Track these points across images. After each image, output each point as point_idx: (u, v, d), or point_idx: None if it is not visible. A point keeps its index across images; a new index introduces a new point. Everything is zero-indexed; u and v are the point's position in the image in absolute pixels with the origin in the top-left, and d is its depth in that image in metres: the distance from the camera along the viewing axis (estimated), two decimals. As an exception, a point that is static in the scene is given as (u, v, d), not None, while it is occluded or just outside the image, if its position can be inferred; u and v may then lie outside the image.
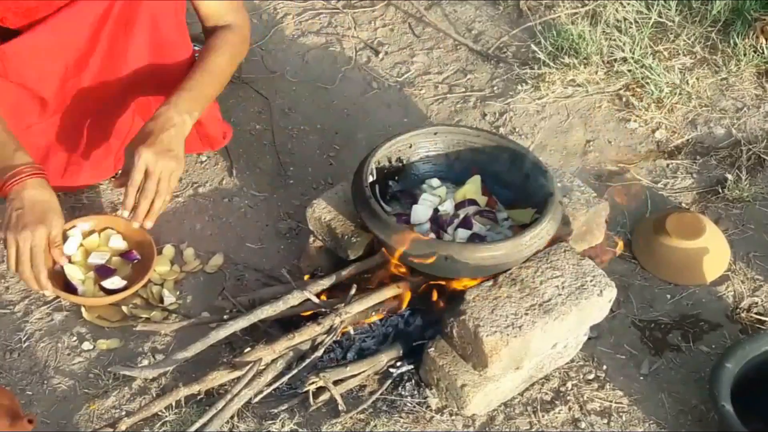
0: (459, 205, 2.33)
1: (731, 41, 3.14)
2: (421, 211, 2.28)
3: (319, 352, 2.20)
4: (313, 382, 2.19)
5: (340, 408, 2.21)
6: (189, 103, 2.33)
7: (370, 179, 2.26)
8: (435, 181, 2.40)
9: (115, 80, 2.46)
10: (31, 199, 2.17)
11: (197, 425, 2.10)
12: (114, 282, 2.35)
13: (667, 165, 2.86)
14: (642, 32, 3.14)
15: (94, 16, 2.35)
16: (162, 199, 2.27)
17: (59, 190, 2.51)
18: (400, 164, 2.40)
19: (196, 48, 2.74)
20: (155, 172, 2.23)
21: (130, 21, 2.38)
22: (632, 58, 3.08)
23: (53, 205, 2.21)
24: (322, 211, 2.35)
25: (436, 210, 2.30)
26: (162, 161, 2.23)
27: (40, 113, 2.47)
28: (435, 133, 2.42)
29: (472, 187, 2.37)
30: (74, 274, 2.34)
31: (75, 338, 2.37)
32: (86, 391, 2.26)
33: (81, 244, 2.41)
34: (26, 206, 2.17)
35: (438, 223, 2.27)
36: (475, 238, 2.26)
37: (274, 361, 2.20)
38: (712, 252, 2.56)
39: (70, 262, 2.34)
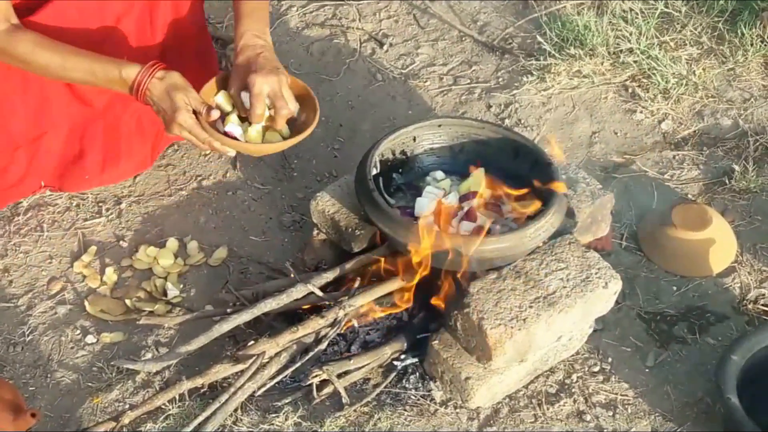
0: (463, 198, 2.32)
1: (738, 31, 3.12)
2: (424, 204, 2.27)
3: (323, 345, 2.20)
4: (316, 375, 2.18)
5: (343, 401, 2.20)
6: (259, 24, 2.38)
7: (374, 172, 2.25)
8: (439, 174, 2.39)
9: (143, 59, 2.44)
10: (159, 95, 2.26)
11: (200, 418, 2.10)
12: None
13: (674, 156, 2.84)
14: (648, 23, 3.12)
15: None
16: (291, 105, 2.32)
17: (99, 185, 2.64)
18: (405, 157, 2.39)
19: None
20: (275, 90, 2.29)
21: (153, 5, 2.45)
22: (638, 48, 3.06)
23: (177, 83, 2.26)
24: (325, 204, 2.34)
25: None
26: (274, 79, 2.28)
27: (68, 97, 2.48)
28: (439, 126, 2.41)
29: (477, 180, 2.35)
30: (234, 131, 2.33)
31: (78, 332, 2.37)
32: (90, 384, 2.26)
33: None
34: (161, 104, 2.27)
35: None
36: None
37: (277, 354, 2.19)
38: (719, 243, 2.54)
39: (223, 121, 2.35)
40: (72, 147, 2.57)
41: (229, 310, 2.25)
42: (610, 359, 2.35)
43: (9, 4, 2.26)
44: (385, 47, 3.19)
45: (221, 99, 2.34)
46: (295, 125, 2.39)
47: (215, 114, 2.28)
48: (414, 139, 2.39)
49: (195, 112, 2.27)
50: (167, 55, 2.51)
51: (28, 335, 2.36)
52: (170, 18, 2.52)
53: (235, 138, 2.32)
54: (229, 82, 2.34)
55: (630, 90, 3.02)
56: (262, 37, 2.37)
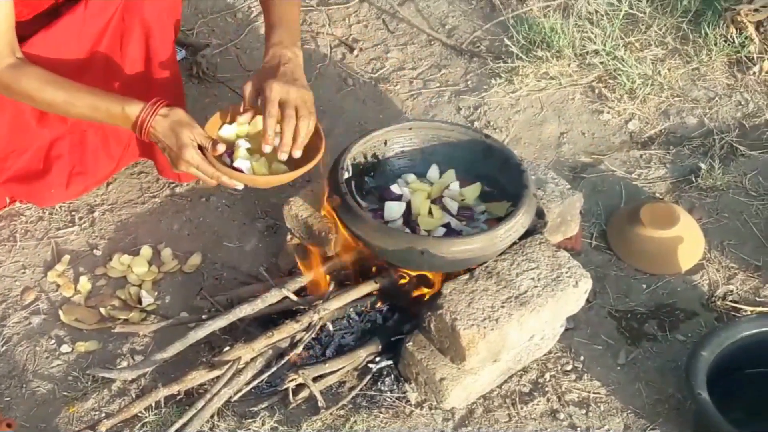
0: (435, 201, 2.34)
1: (702, 31, 3.16)
2: (394, 207, 2.29)
3: (298, 350, 2.21)
4: (292, 380, 2.20)
5: (319, 405, 2.22)
6: (290, 36, 2.31)
7: (346, 175, 2.26)
8: (411, 176, 2.41)
9: (112, 90, 2.44)
10: (163, 132, 2.21)
11: (177, 425, 2.11)
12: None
13: (641, 155, 2.88)
14: (613, 24, 3.15)
15: (93, 27, 2.39)
16: (306, 123, 2.20)
17: (63, 200, 2.62)
18: (376, 160, 2.41)
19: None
20: (290, 100, 2.19)
21: (125, 34, 2.42)
22: (604, 50, 3.09)
23: (181, 120, 2.21)
24: (299, 209, 2.35)
25: (409, 206, 2.31)
26: (293, 89, 2.19)
27: (39, 119, 2.47)
28: (410, 129, 2.43)
29: (447, 182, 2.37)
30: (242, 165, 2.24)
31: (53, 341, 2.37)
32: (65, 393, 2.26)
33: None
34: (166, 141, 2.22)
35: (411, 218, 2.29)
36: (451, 232, 2.27)
37: (253, 359, 2.20)
38: (687, 241, 2.58)
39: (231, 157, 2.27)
40: (36, 163, 2.56)
41: (204, 317, 2.26)
42: (582, 358, 2.38)
43: (14, 36, 2.24)
44: (355, 52, 3.21)
45: (226, 132, 2.29)
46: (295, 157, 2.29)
47: (221, 148, 2.21)
48: (385, 143, 2.40)
49: (201, 148, 2.22)
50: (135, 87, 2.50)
51: (2, 346, 2.35)
52: (141, 50, 2.49)
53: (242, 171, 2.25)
54: (247, 92, 2.26)
55: (597, 91, 3.06)
56: (290, 50, 2.29)
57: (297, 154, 2.21)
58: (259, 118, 2.25)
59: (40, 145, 2.53)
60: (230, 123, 2.29)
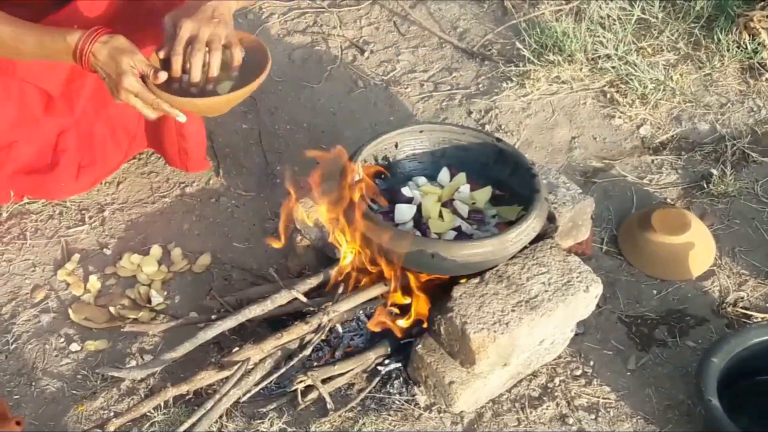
0: (446, 204, 2.34)
1: (715, 37, 3.15)
2: (405, 210, 2.28)
3: (308, 351, 2.21)
4: (301, 381, 2.20)
5: (328, 406, 2.21)
6: None
7: (357, 178, 2.26)
8: (421, 179, 2.40)
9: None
10: (103, 59, 2.16)
11: (186, 425, 2.10)
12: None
13: (652, 161, 2.87)
14: (626, 29, 3.15)
15: (96, 13, 2.36)
16: (216, 55, 2.18)
17: (73, 194, 2.62)
18: (387, 162, 2.41)
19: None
20: (201, 38, 2.16)
21: (134, 21, 2.37)
22: (616, 54, 3.09)
23: (122, 46, 2.16)
24: (309, 210, 2.35)
25: (419, 209, 2.30)
26: (206, 27, 2.17)
27: (45, 108, 2.49)
28: (421, 131, 2.42)
29: (458, 185, 2.37)
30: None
31: (63, 339, 2.37)
32: (74, 392, 2.26)
33: None
34: (105, 69, 2.17)
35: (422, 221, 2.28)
36: (462, 236, 2.26)
37: (262, 360, 2.20)
38: (698, 247, 2.57)
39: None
40: (44, 157, 2.56)
41: (213, 317, 2.26)
42: (591, 363, 2.37)
43: None
44: (366, 54, 3.21)
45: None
46: (243, 78, 2.25)
47: (163, 76, 2.17)
48: (396, 145, 2.40)
49: (143, 76, 2.18)
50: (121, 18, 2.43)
51: (12, 344, 2.36)
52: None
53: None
54: (165, 30, 2.21)
55: (608, 95, 3.05)
56: None
57: (223, 88, 2.21)
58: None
59: (47, 138, 2.54)
60: None
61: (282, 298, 2.25)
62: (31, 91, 2.44)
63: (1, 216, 2.63)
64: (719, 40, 3.14)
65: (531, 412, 2.27)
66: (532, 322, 2.14)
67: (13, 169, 2.57)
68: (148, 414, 2.16)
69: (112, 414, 2.19)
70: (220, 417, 2.17)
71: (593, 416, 2.27)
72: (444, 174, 2.39)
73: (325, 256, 2.38)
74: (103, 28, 2.19)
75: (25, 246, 2.57)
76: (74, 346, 2.35)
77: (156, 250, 2.57)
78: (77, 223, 2.63)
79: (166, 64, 2.21)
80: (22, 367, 2.31)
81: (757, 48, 3.11)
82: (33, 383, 2.28)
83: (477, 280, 2.21)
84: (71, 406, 2.23)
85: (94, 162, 2.61)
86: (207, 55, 2.19)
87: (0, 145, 2.51)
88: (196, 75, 2.19)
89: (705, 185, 2.78)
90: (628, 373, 2.35)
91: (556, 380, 2.33)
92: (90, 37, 2.16)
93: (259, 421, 2.19)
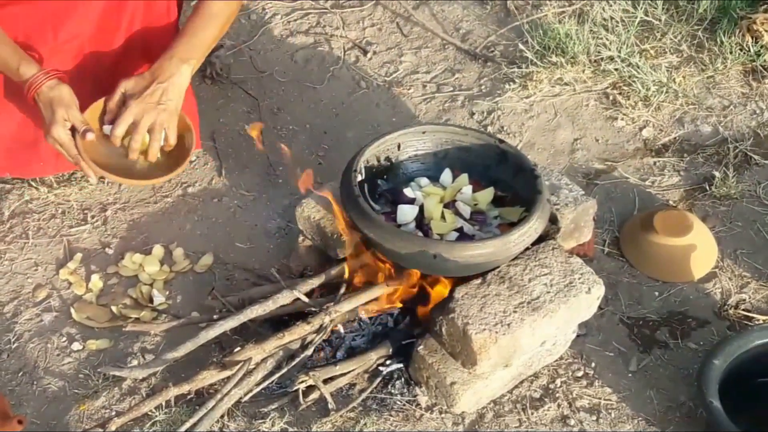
0: (448, 205, 2.34)
1: (718, 39, 3.15)
2: (407, 211, 2.28)
3: (309, 351, 2.21)
4: (302, 381, 2.19)
5: (330, 406, 2.21)
6: (187, 51, 2.37)
7: (359, 178, 2.26)
8: (423, 180, 2.40)
9: (109, 51, 2.50)
10: (43, 103, 2.31)
11: (187, 425, 2.10)
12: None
13: (655, 163, 2.87)
14: (629, 31, 3.15)
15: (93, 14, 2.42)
16: (155, 143, 2.34)
17: (54, 172, 2.65)
18: (389, 163, 2.41)
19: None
20: (142, 126, 2.31)
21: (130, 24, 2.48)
22: (619, 56, 3.09)
23: (61, 98, 2.30)
24: (311, 211, 2.35)
25: (422, 209, 2.30)
26: (150, 114, 2.32)
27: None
28: (423, 132, 2.42)
29: (460, 186, 2.37)
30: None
31: (64, 339, 2.37)
32: (76, 391, 2.26)
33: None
34: (43, 112, 2.32)
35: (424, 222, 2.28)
36: (464, 237, 2.27)
37: (264, 360, 2.20)
38: (700, 249, 2.57)
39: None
40: (26, 133, 2.53)
41: (215, 317, 2.26)
42: (593, 364, 2.37)
43: None
44: (368, 55, 3.21)
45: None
46: (173, 158, 2.42)
47: (90, 136, 2.32)
48: (398, 146, 2.40)
49: (74, 130, 2.32)
50: (131, 58, 2.54)
51: (14, 342, 2.36)
52: (140, 20, 2.52)
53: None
54: (115, 98, 2.36)
55: (611, 97, 3.05)
56: (177, 65, 2.35)
57: (141, 165, 2.38)
58: None
59: (26, 113, 2.51)
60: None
61: (284, 299, 2.25)
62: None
63: (3, 215, 2.63)
64: (722, 42, 3.14)
65: (532, 413, 2.27)
66: (533, 324, 2.14)
67: None
68: (150, 413, 2.16)
69: (113, 413, 2.20)
70: (222, 417, 2.18)
71: (595, 417, 2.27)
72: (446, 175, 2.40)
73: (327, 256, 2.38)
74: (57, 71, 2.33)
75: (27, 245, 2.58)
76: (76, 345, 2.36)
77: (158, 250, 2.57)
78: (79, 223, 2.64)
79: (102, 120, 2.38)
80: (23, 366, 2.32)
81: (760, 50, 3.10)
82: (35, 382, 2.28)
83: (479, 281, 2.21)
84: (73, 405, 2.23)
85: None
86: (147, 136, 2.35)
87: None
88: (134, 157, 2.36)
89: (707, 187, 2.78)
90: (630, 375, 2.35)
91: (558, 381, 2.33)
92: (40, 79, 2.30)
93: (260, 421, 2.19)
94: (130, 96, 2.33)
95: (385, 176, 2.41)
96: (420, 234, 2.24)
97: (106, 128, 2.36)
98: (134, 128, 2.32)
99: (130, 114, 2.31)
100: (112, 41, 2.50)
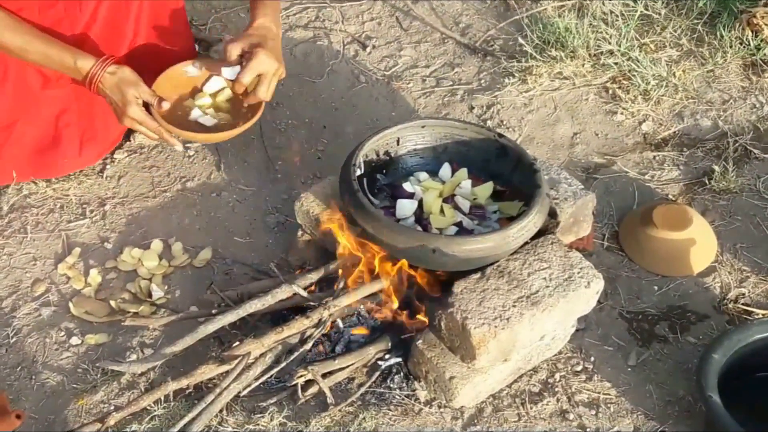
0: (447, 199, 2.34)
1: (718, 33, 3.15)
2: (406, 205, 2.28)
3: (308, 346, 2.21)
4: (301, 376, 2.19)
5: (328, 401, 2.21)
6: (273, 12, 2.51)
7: (358, 172, 2.26)
8: (423, 174, 2.40)
9: (122, 37, 2.55)
10: (110, 88, 2.39)
11: (186, 419, 2.10)
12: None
13: (654, 157, 2.87)
14: (628, 25, 3.14)
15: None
16: (268, 95, 2.46)
17: (76, 168, 2.67)
18: (388, 157, 2.41)
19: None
20: (268, 73, 2.41)
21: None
22: (619, 50, 3.08)
23: (127, 78, 2.39)
24: (310, 205, 2.35)
25: (421, 204, 2.30)
26: (273, 63, 2.41)
27: (43, 85, 2.53)
28: (423, 127, 2.42)
29: (459, 180, 2.37)
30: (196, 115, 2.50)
31: (63, 333, 2.37)
32: (75, 386, 2.26)
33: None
34: (112, 97, 2.40)
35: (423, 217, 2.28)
36: (463, 231, 2.26)
37: (262, 354, 2.20)
38: (699, 243, 2.57)
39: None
40: (47, 134, 2.58)
41: (214, 311, 2.26)
42: (592, 358, 2.37)
43: None
44: (368, 49, 3.20)
45: (191, 69, 2.52)
46: (239, 115, 2.50)
47: (165, 105, 2.42)
48: (398, 141, 2.40)
49: (147, 105, 2.40)
50: (142, 55, 2.58)
51: (12, 337, 2.36)
52: (147, 19, 2.57)
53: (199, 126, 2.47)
54: (229, 45, 2.43)
55: (610, 91, 3.05)
56: (275, 25, 2.47)
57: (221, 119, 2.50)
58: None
59: (48, 117, 2.56)
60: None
61: (282, 293, 2.25)
62: (29, 70, 2.47)
63: (1, 209, 2.63)
64: (722, 36, 3.13)
65: (531, 408, 2.27)
66: (533, 318, 2.14)
67: (17, 149, 2.57)
68: (149, 408, 2.16)
69: (112, 408, 2.20)
70: (221, 411, 2.17)
71: (593, 412, 2.26)
72: (445, 169, 2.39)
73: (326, 251, 2.37)
74: (111, 56, 2.41)
75: (25, 239, 2.57)
76: (75, 340, 2.35)
77: (157, 245, 2.57)
78: (78, 217, 2.63)
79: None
80: (22, 361, 2.31)
81: (759, 44, 3.10)
82: (33, 377, 2.28)
83: (478, 275, 2.21)
84: (71, 399, 2.23)
85: (96, 136, 2.63)
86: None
87: (1, 124, 2.52)
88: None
89: (707, 181, 2.77)
90: (629, 369, 2.35)
91: (557, 376, 2.33)
92: (100, 67, 2.38)
93: (259, 416, 2.19)
94: (255, 46, 2.39)
95: (384, 171, 2.40)
96: (419, 228, 2.24)
97: (166, 104, 2.44)
98: (261, 75, 2.41)
99: (265, 65, 2.39)
100: (124, 27, 2.54)
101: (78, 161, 2.65)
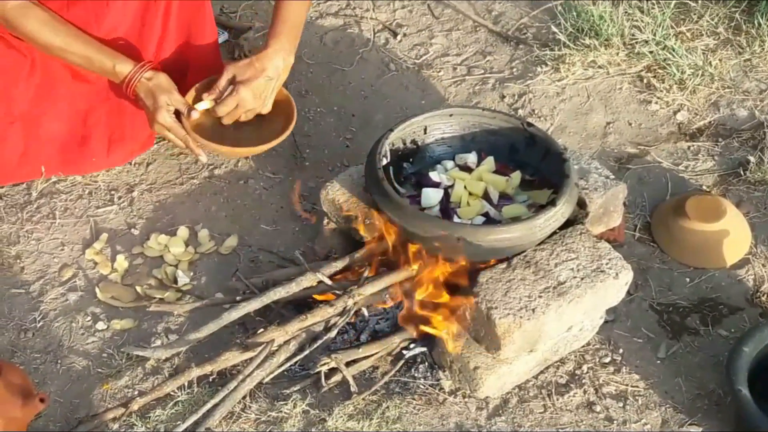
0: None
1: (755, 22, 3.09)
2: (431, 194, 2.26)
3: (332, 334, 2.20)
4: (325, 363, 2.18)
5: (352, 389, 2.20)
6: (290, 42, 2.52)
7: (384, 161, 2.24)
8: (450, 163, 2.38)
9: (148, 41, 2.56)
10: (144, 93, 2.45)
11: (209, 405, 2.10)
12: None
13: (689, 147, 2.82)
14: (664, 13, 3.09)
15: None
16: (258, 104, 2.50)
17: (105, 168, 2.68)
18: (415, 146, 2.38)
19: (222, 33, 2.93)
20: (240, 108, 2.48)
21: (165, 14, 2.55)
22: (654, 39, 3.03)
23: (161, 84, 2.45)
24: (336, 193, 2.33)
25: (447, 192, 2.27)
26: (251, 102, 2.48)
27: (71, 77, 2.54)
28: (450, 115, 2.40)
29: (487, 169, 2.34)
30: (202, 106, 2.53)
31: (89, 318, 2.38)
32: (100, 370, 2.27)
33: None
34: (145, 102, 2.46)
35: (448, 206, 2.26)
36: (490, 221, 2.24)
37: (286, 342, 2.19)
38: (733, 235, 2.52)
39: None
40: (75, 131, 2.60)
41: (238, 298, 2.25)
42: (621, 350, 2.33)
43: None
44: (398, 37, 3.18)
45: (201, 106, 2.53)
46: (270, 129, 2.54)
47: (195, 114, 2.47)
48: (425, 129, 2.38)
49: (178, 113, 2.46)
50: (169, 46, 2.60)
51: (39, 321, 2.37)
52: (176, 17, 2.57)
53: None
54: (225, 69, 2.49)
55: (645, 80, 3.00)
56: (285, 59, 2.50)
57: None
58: None
59: (76, 113, 2.57)
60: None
61: (307, 281, 2.23)
62: (56, 63, 2.48)
63: (30, 195, 2.64)
64: (760, 24, 3.07)
65: (558, 399, 2.24)
66: (559, 309, 2.11)
67: (44, 144, 2.58)
68: (172, 393, 2.16)
69: (136, 393, 2.20)
70: (244, 398, 2.17)
71: (621, 404, 2.23)
72: (472, 158, 2.37)
73: (352, 239, 2.36)
74: (149, 62, 2.47)
75: (54, 225, 2.59)
76: (101, 325, 2.36)
77: (183, 231, 2.57)
78: (106, 203, 2.64)
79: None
80: (48, 345, 2.32)
81: (799, 33, 3.04)
82: (59, 361, 2.29)
83: (504, 265, 2.18)
84: (96, 384, 2.24)
85: (124, 137, 2.63)
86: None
87: (28, 114, 2.53)
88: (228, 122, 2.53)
89: (742, 172, 2.72)
90: (658, 362, 2.31)
91: (584, 367, 2.30)
92: (138, 72, 2.43)
93: (282, 403, 2.19)
94: (240, 82, 2.46)
95: (411, 159, 2.38)
96: (441, 217, 2.21)
97: (199, 104, 2.49)
98: (235, 110, 2.49)
99: (235, 99, 2.46)
100: (150, 32, 2.54)
101: (106, 161, 2.66)
